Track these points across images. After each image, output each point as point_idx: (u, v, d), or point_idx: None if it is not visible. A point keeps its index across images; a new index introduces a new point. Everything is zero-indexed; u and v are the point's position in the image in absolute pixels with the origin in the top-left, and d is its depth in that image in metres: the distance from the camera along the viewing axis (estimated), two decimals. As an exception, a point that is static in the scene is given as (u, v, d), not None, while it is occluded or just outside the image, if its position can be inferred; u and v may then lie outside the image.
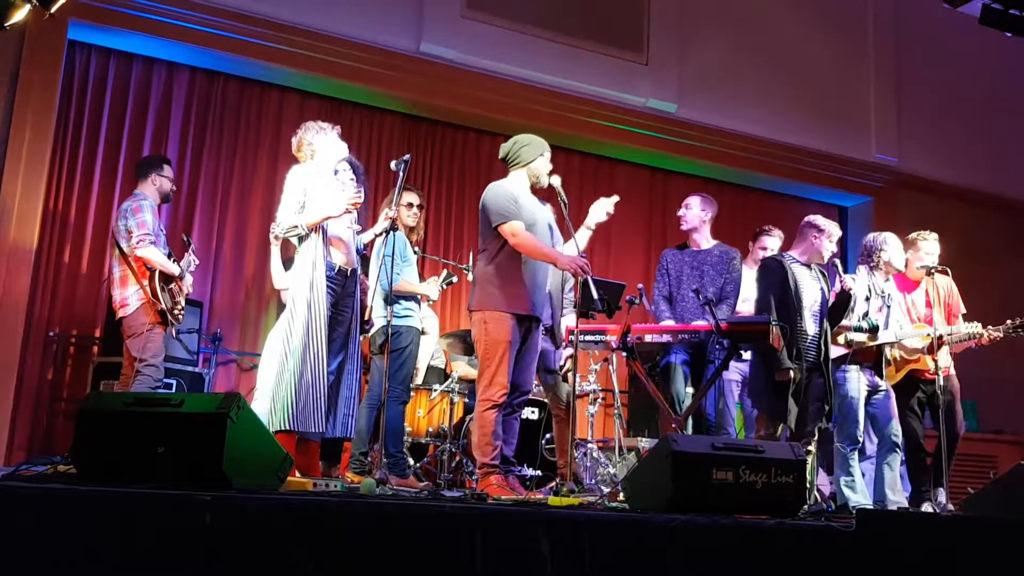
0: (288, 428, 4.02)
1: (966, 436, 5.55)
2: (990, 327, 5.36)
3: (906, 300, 5.52)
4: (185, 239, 5.48)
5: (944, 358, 5.40)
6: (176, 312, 5.03)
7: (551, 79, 7.54)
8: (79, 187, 6.35)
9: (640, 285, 5.41)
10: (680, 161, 8.28)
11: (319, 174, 4.41)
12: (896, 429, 5.17)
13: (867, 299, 5.23)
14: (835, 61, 8.86)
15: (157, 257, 4.96)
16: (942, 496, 5.18)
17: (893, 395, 5.24)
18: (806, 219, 5.26)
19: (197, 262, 5.33)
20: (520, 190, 4.37)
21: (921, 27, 9.24)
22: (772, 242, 5.76)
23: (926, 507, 5.11)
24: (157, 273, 4.96)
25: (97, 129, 6.46)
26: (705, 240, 5.30)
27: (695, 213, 5.27)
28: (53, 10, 3.69)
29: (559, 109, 7.56)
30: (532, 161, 4.42)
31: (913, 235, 5.57)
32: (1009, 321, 5.36)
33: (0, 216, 5.82)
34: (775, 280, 5.06)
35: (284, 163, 6.93)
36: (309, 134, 4.48)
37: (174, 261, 5.14)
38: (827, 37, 8.84)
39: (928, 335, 5.21)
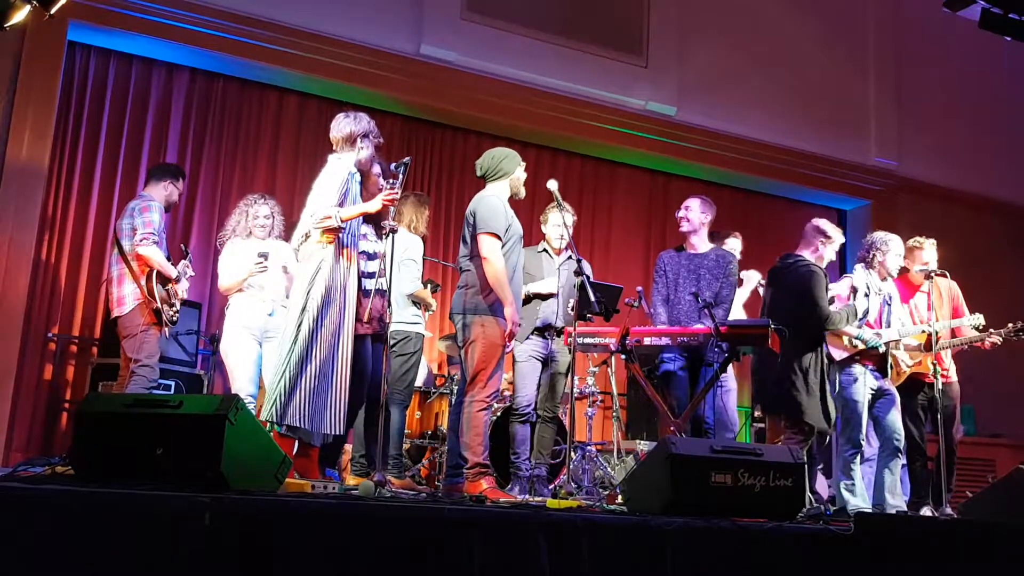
0: (274, 421, 4.00)
1: (965, 440, 5.54)
2: (991, 331, 5.36)
3: (909, 305, 5.50)
4: (183, 248, 5.47)
5: (947, 364, 5.40)
6: (171, 313, 5.02)
7: (551, 82, 7.54)
8: (78, 188, 6.35)
9: (639, 288, 5.40)
10: (680, 164, 8.28)
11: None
12: (899, 433, 5.14)
13: (866, 295, 5.22)
14: (835, 64, 8.87)
15: (158, 257, 4.96)
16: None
17: (898, 398, 5.21)
18: (812, 223, 5.19)
19: (192, 274, 5.29)
20: (506, 204, 4.43)
21: (921, 31, 9.24)
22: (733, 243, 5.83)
23: (925, 511, 5.10)
24: (154, 273, 4.95)
25: (97, 130, 6.46)
26: (703, 243, 5.25)
27: (696, 216, 5.23)
28: (53, 11, 3.68)
29: (559, 112, 7.57)
30: (513, 172, 4.47)
31: (910, 242, 5.51)
32: (1010, 324, 5.35)
33: (0, 216, 5.82)
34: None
35: (283, 164, 6.97)
36: (361, 124, 4.43)
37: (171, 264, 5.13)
38: (827, 40, 8.85)
39: (927, 332, 5.20)
